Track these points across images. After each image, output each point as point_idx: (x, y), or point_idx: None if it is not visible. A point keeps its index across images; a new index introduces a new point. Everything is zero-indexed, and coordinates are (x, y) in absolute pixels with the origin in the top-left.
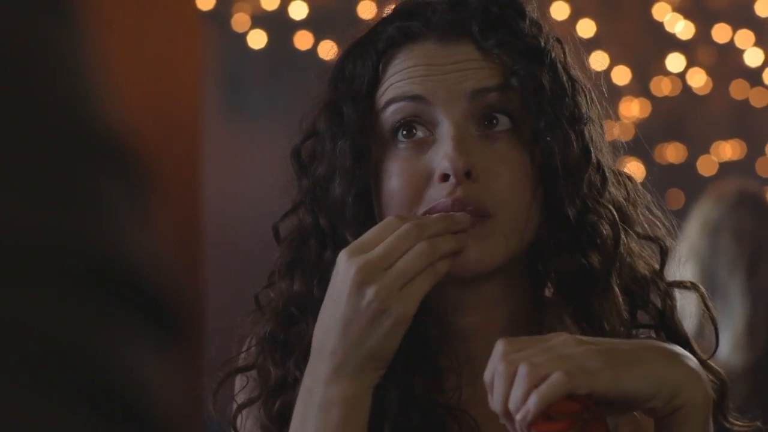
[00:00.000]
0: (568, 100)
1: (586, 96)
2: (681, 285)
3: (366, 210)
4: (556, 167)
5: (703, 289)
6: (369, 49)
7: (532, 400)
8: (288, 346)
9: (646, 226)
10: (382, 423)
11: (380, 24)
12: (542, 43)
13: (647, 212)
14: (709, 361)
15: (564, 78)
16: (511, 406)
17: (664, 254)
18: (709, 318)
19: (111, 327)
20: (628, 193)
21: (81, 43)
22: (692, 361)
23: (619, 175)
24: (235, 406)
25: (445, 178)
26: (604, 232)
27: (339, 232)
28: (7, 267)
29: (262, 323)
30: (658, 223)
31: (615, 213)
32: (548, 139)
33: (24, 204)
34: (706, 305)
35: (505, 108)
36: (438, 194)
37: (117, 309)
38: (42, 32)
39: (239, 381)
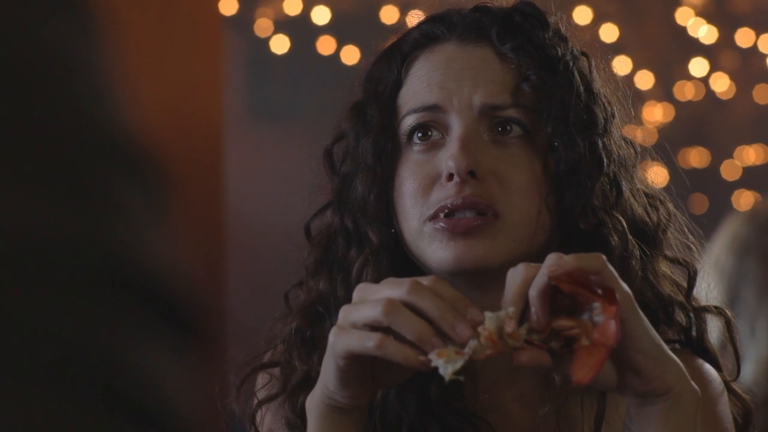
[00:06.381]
0: (580, 110)
1: (605, 110)
2: (707, 309)
3: (387, 208)
4: (565, 174)
5: (729, 315)
6: (395, 53)
7: (570, 258)
8: (313, 343)
9: (676, 249)
10: (400, 429)
11: (409, 30)
12: (559, 53)
13: (681, 236)
14: (734, 386)
15: (580, 88)
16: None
17: (692, 278)
18: (735, 343)
19: (128, 330)
20: (659, 216)
21: (98, 46)
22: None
23: (652, 197)
24: (255, 401)
25: (450, 177)
26: (613, 243)
27: (362, 229)
28: (24, 270)
29: (289, 320)
30: (692, 247)
31: (625, 225)
32: (556, 144)
33: (40, 206)
34: (730, 333)
35: (515, 119)
36: (443, 194)
37: (133, 312)
38: (57, 33)
39: (261, 378)
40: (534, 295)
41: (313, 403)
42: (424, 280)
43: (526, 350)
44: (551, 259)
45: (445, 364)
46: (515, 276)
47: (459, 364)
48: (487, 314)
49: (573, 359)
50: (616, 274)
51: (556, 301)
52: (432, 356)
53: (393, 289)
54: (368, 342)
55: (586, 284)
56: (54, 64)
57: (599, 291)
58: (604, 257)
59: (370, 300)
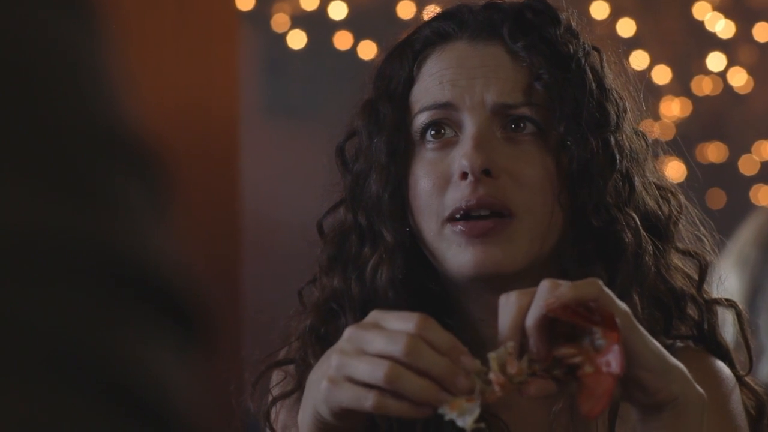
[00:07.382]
0: (593, 108)
1: (617, 106)
2: (718, 302)
3: (401, 206)
4: (578, 173)
5: (740, 308)
6: (407, 50)
7: (565, 287)
8: (327, 340)
9: (687, 241)
10: (414, 427)
11: (420, 26)
12: (572, 50)
13: (692, 227)
14: (747, 379)
15: (593, 85)
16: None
17: (703, 270)
18: (746, 336)
19: (129, 326)
20: (671, 208)
21: (100, 43)
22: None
23: (663, 190)
24: (270, 398)
25: (464, 176)
26: (627, 240)
27: (376, 228)
28: (25, 267)
29: (303, 317)
30: (705, 240)
31: (638, 222)
32: (569, 142)
33: (41, 203)
34: (741, 326)
35: (528, 117)
36: (458, 194)
37: (135, 309)
38: (58, 31)
39: (276, 375)
40: (531, 327)
41: (304, 420)
42: (410, 323)
43: (531, 383)
44: (546, 289)
45: (462, 416)
46: (509, 307)
47: (477, 412)
48: (490, 356)
49: (579, 389)
50: (613, 296)
51: (555, 329)
52: (444, 410)
53: (388, 343)
54: (365, 402)
55: (583, 311)
56: (55, 62)
57: (597, 317)
58: (600, 282)
59: (368, 356)
